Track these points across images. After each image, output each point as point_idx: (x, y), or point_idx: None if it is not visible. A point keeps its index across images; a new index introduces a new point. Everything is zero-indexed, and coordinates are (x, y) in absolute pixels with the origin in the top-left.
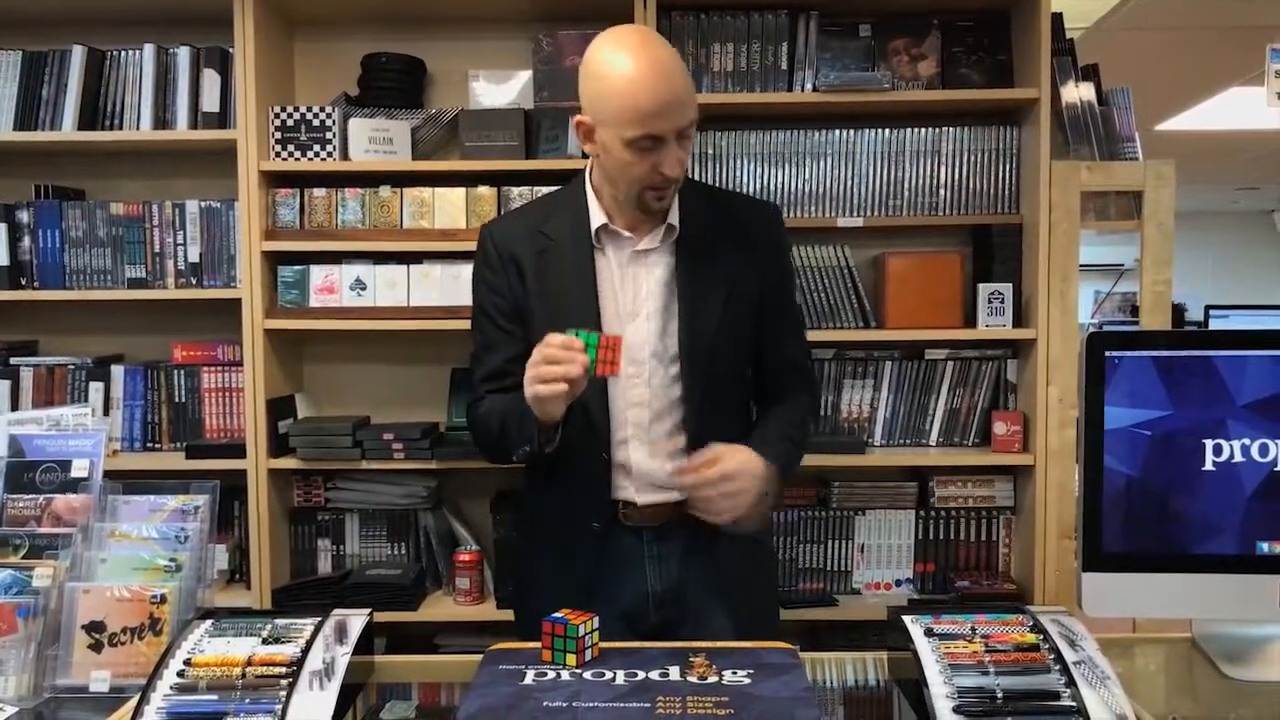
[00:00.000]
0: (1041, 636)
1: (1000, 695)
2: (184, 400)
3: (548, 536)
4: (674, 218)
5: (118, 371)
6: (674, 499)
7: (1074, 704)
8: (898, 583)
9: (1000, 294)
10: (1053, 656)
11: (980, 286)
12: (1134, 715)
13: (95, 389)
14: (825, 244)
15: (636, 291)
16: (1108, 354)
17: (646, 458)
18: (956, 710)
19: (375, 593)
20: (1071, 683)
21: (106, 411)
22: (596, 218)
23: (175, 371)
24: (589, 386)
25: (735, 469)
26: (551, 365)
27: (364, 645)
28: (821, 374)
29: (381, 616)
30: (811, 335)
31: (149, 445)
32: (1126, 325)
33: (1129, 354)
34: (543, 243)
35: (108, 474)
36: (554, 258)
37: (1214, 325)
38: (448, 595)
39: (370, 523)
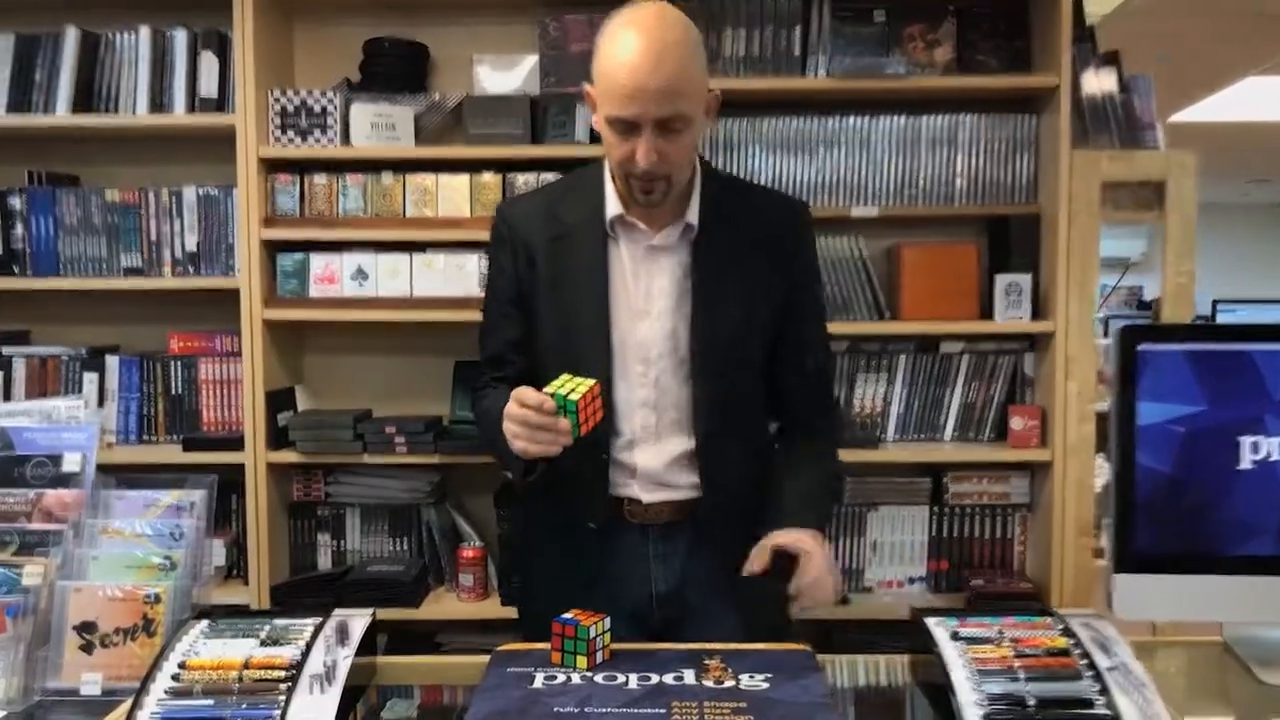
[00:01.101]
0: (1072, 641)
1: (1031, 703)
2: (181, 392)
3: (548, 534)
4: (692, 216)
5: (113, 362)
6: (679, 497)
7: (1109, 713)
8: (910, 580)
9: (1018, 286)
10: (1084, 662)
11: (998, 278)
12: None
13: (90, 380)
14: (839, 234)
15: (649, 288)
16: (1139, 347)
17: (653, 458)
18: (987, 719)
19: (376, 589)
20: (1105, 690)
21: (101, 403)
22: (613, 206)
23: (172, 362)
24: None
25: (817, 573)
26: (534, 430)
27: (366, 646)
28: (835, 367)
29: (383, 614)
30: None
31: (145, 438)
32: (1134, 320)
33: (1162, 347)
34: (557, 228)
35: (102, 468)
36: (567, 246)
37: (1222, 320)
38: (451, 592)
39: (371, 518)
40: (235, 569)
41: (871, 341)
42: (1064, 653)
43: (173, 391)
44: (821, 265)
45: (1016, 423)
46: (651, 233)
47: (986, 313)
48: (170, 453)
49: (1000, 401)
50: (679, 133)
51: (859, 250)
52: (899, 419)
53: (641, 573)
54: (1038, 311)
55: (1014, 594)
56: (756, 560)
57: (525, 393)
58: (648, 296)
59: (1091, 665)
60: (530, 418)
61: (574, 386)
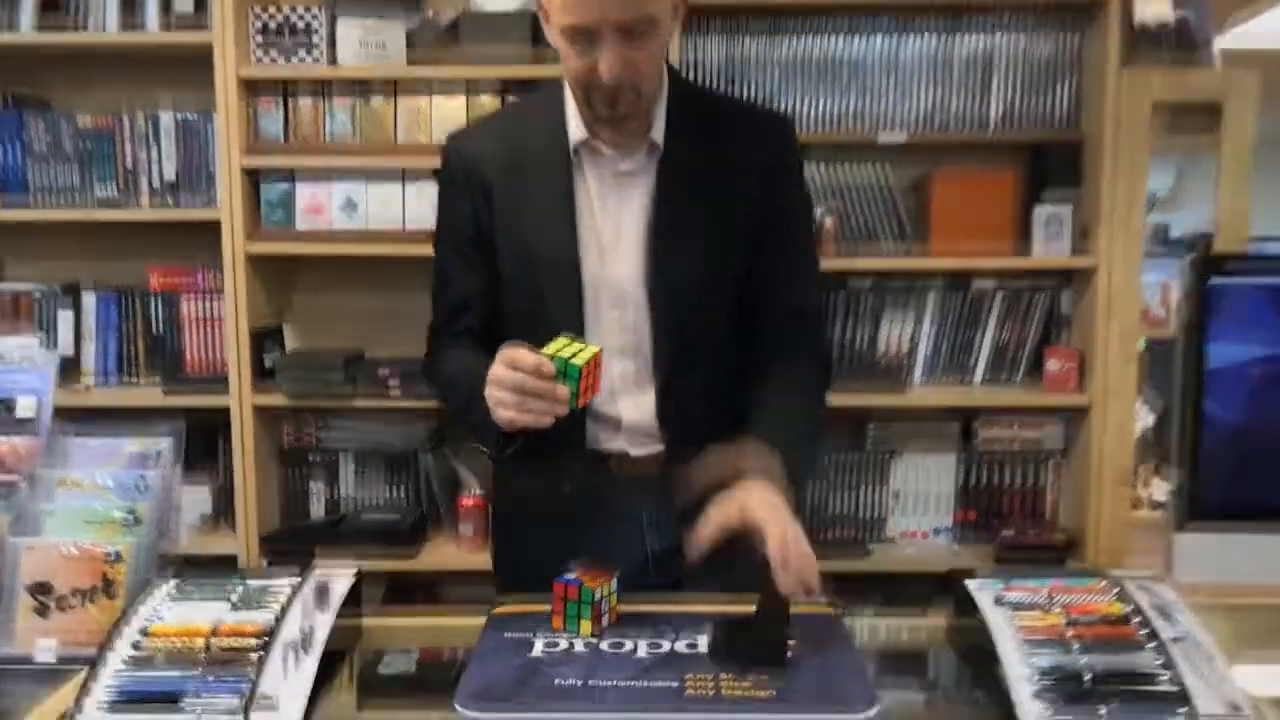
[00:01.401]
0: (1130, 607)
1: (1088, 677)
2: (162, 330)
3: (530, 496)
4: (658, 133)
5: (89, 299)
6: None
7: (1175, 688)
8: (936, 531)
9: (1058, 218)
10: (1145, 631)
11: (1036, 209)
12: (1249, 704)
13: (64, 318)
14: (864, 161)
15: (618, 220)
16: (1211, 282)
17: (637, 409)
18: (1040, 695)
19: (372, 538)
20: (1170, 663)
21: (78, 342)
22: (576, 131)
23: (152, 299)
24: (560, 326)
25: (785, 553)
26: (527, 396)
27: (351, 604)
28: (858, 305)
29: (380, 564)
30: (848, 263)
31: (125, 379)
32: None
33: (1239, 281)
34: (514, 158)
35: (76, 411)
36: (527, 178)
37: None
38: (450, 541)
39: (366, 464)
40: (224, 516)
41: (898, 277)
42: (1122, 620)
43: (153, 329)
44: (845, 194)
45: (1052, 364)
46: (619, 157)
47: (1023, 246)
48: (152, 395)
49: (1035, 342)
50: (645, 37)
51: (886, 179)
52: (927, 360)
53: (634, 533)
54: (1078, 245)
55: (1046, 546)
56: (704, 534)
57: (519, 354)
58: (617, 229)
59: (1153, 634)
60: (525, 383)
61: (576, 350)
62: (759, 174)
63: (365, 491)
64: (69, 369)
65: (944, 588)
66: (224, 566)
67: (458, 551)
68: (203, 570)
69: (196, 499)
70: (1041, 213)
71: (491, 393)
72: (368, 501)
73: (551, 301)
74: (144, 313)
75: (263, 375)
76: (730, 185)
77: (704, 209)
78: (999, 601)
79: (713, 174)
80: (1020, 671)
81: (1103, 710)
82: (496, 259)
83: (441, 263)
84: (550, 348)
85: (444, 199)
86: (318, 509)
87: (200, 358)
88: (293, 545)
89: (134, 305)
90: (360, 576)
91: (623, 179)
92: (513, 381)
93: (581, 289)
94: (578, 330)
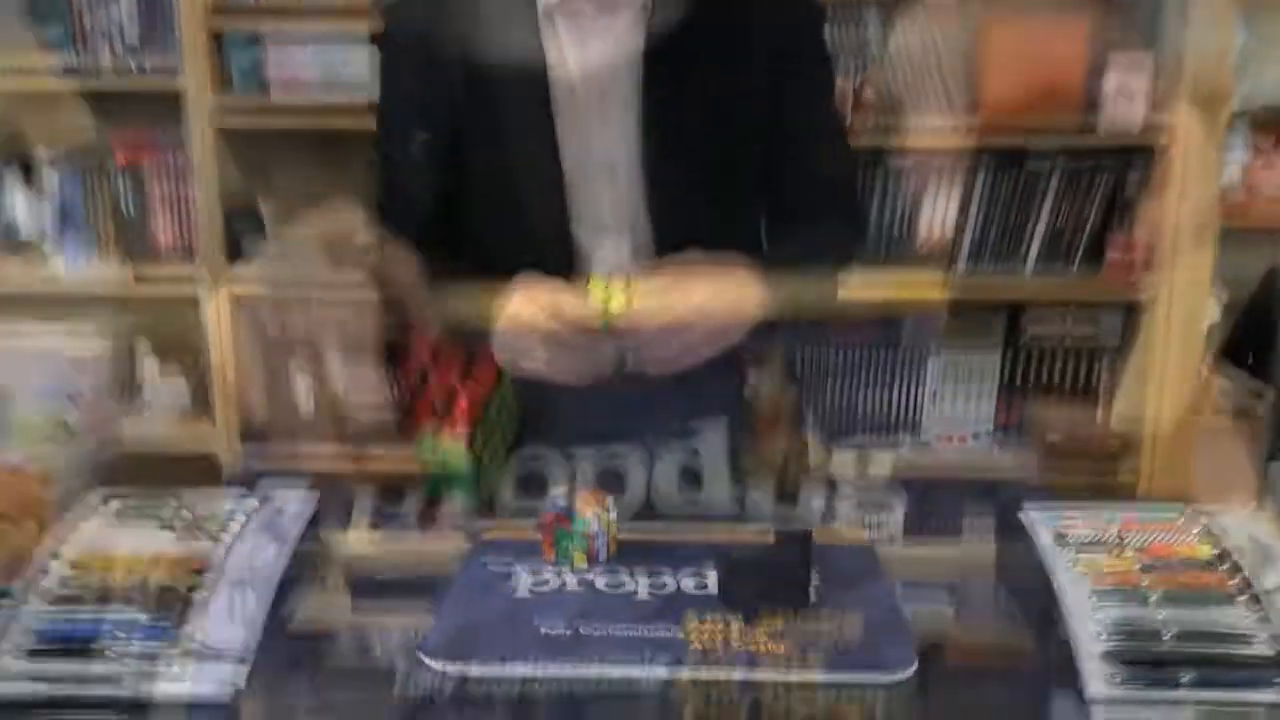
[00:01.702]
0: (1219, 549)
1: (1168, 635)
2: (131, 209)
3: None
4: None
5: (49, 175)
6: None
7: (1274, 651)
8: (976, 435)
9: (1131, 83)
10: (1237, 579)
11: (1107, 73)
12: None
13: (21, 197)
14: (906, 18)
15: (603, 85)
16: None
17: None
18: (1109, 656)
19: (364, 435)
20: (1268, 619)
21: (37, 223)
22: None
23: (119, 175)
24: (546, 227)
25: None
26: (563, 350)
27: (314, 532)
28: (897, 183)
29: (371, 465)
30: (886, 137)
31: (94, 263)
32: None
33: None
34: (472, 24)
35: (43, 300)
36: (487, 48)
37: None
38: (455, 439)
39: (356, 354)
40: (204, 410)
41: (943, 151)
42: (1209, 565)
43: (121, 208)
44: (883, 56)
45: (1116, 252)
46: (599, 12)
47: (1089, 115)
48: (120, 282)
49: (1096, 225)
50: None
51: (929, 37)
52: (973, 244)
53: (638, 435)
54: (1152, 115)
55: (1098, 452)
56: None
57: (560, 301)
58: (602, 96)
59: (1247, 584)
60: (562, 335)
61: (619, 299)
62: (771, 17)
63: (356, 383)
64: (29, 252)
65: (985, 499)
66: (202, 465)
67: (460, 446)
68: (158, 482)
69: (174, 392)
70: (1114, 76)
71: (517, 340)
72: (358, 394)
73: (527, 181)
74: (110, 189)
75: (239, 259)
76: (736, 32)
77: (706, 62)
78: (1060, 540)
79: (715, 21)
80: (1087, 627)
81: (1184, 676)
82: (457, 144)
83: (385, 157)
84: (594, 297)
85: (387, 79)
86: (306, 402)
87: (174, 239)
88: (277, 442)
89: (99, 181)
90: (323, 502)
91: (607, 42)
92: (552, 337)
93: (562, 168)
94: (559, 212)
